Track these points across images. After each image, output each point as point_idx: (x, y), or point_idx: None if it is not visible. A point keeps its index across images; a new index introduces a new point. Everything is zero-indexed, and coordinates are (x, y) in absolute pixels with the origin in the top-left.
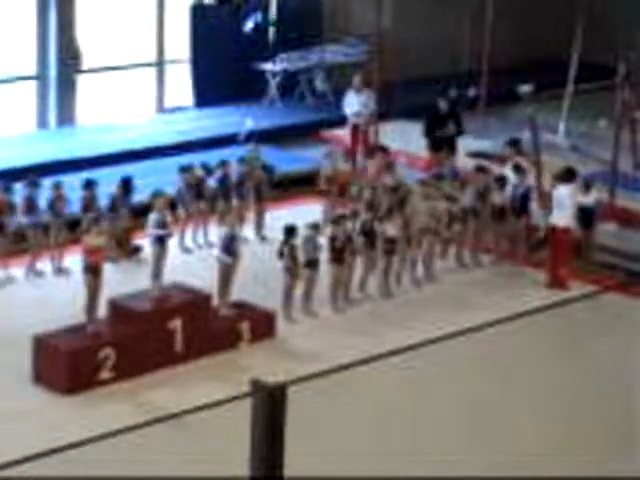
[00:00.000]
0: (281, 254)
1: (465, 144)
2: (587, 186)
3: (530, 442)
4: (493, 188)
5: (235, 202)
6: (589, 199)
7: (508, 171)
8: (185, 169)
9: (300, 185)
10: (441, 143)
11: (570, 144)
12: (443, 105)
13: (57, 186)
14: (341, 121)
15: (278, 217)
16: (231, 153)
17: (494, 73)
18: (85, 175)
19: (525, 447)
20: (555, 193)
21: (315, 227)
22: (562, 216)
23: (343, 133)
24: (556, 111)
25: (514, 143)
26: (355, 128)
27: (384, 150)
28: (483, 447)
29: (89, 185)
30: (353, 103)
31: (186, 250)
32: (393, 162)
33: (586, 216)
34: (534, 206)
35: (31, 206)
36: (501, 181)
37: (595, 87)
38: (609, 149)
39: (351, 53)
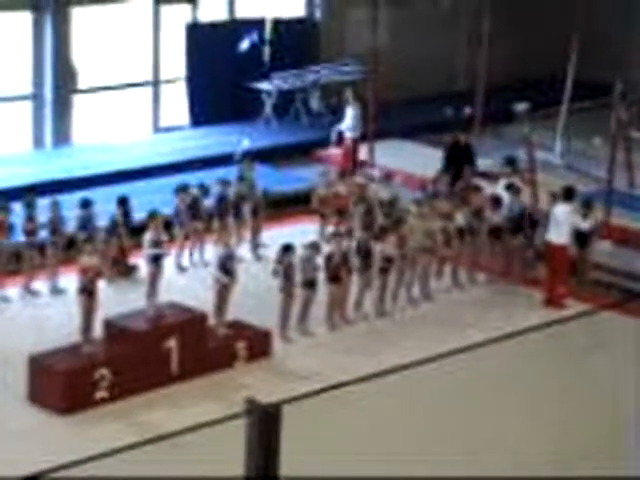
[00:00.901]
0: (276, 273)
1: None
2: (586, 209)
3: (526, 457)
4: (487, 207)
5: (232, 221)
6: (585, 224)
7: (501, 190)
8: (181, 189)
9: (295, 205)
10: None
11: (565, 162)
12: (462, 138)
13: (55, 206)
14: (336, 141)
15: (273, 236)
16: (227, 172)
17: (489, 92)
18: (81, 195)
19: (521, 461)
20: (553, 211)
21: (314, 247)
22: (559, 234)
23: (338, 152)
24: (551, 130)
25: (510, 162)
26: (349, 142)
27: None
28: (478, 465)
29: (86, 205)
30: (348, 116)
31: (182, 269)
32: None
33: (582, 237)
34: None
35: (30, 226)
36: (496, 201)
37: (590, 105)
38: (604, 167)
39: (346, 72)
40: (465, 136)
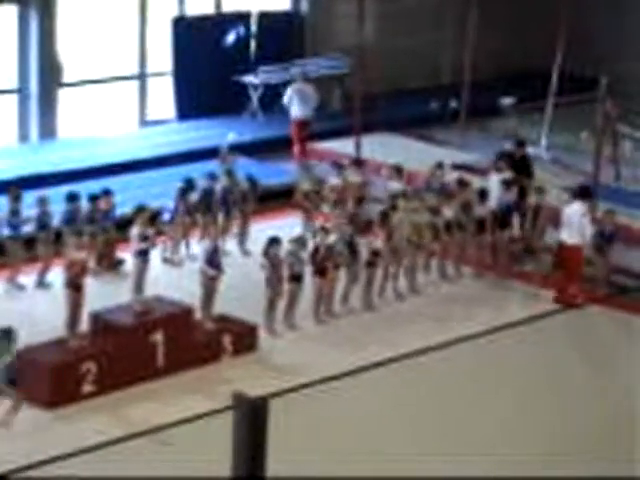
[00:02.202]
0: (263, 266)
1: (447, 157)
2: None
3: (519, 454)
4: (474, 201)
5: (219, 215)
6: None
7: (494, 183)
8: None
9: (281, 198)
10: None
11: (552, 156)
12: (518, 152)
13: (43, 201)
14: (322, 134)
15: (259, 230)
16: (213, 166)
17: (475, 86)
18: (67, 189)
19: (513, 458)
20: (566, 210)
21: (300, 241)
22: (572, 234)
23: (325, 146)
24: (538, 124)
25: (504, 156)
26: (302, 125)
27: (359, 163)
28: (467, 461)
29: (72, 198)
30: (297, 96)
31: (168, 263)
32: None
33: (601, 239)
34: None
35: (13, 219)
36: (482, 194)
37: (577, 100)
38: (590, 161)
39: (332, 66)
40: (519, 149)
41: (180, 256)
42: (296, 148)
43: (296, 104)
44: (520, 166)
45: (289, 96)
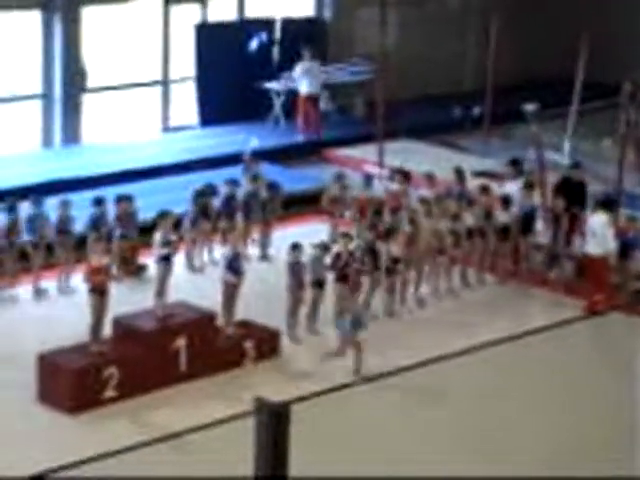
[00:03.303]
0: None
1: (470, 163)
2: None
3: (532, 460)
4: (496, 207)
5: (241, 221)
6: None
7: (513, 189)
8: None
9: (304, 204)
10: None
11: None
12: (574, 175)
13: (64, 205)
14: (345, 140)
15: (282, 237)
16: (236, 172)
17: (498, 92)
18: (89, 194)
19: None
20: (590, 221)
21: (324, 247)
22: (596, 245)
23: (348, 153)
24: (561, 130)
25: (514, 163)
26: (308, 100)
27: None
28: (485, 467)
29: (98, 203)
30: (306, 74)
31: (191, 269)
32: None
33: (623, 248)
34: (539, 225)
35: (34, 225)
36: (505, 201)
37: (600, 106)
38: (613, 168)
39: (355, 72)
40: (577, 171)
41: (202, 261)
42: (300, 120)
43: (304, 80)
44: (575, 193)
45: (298, 73)
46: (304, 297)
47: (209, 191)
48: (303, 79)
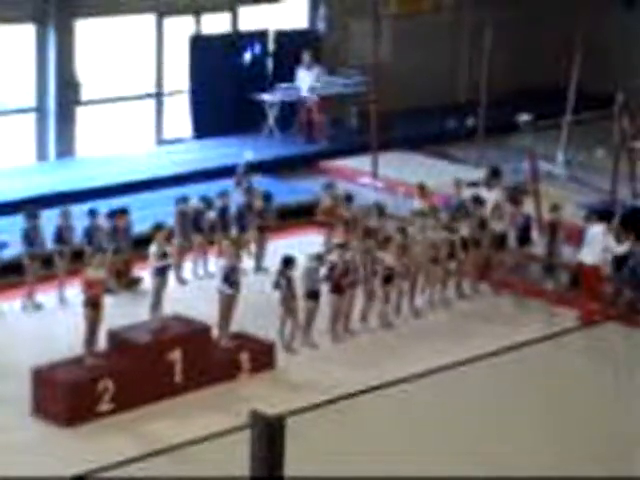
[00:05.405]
0: (277, 285)
1: (464, 174)
2: (622, 232)
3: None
4: (491, 217)
5: (235, 233)
6: (620, 248)
7: (492, 197)
8: (181, 200)
9: (299, 216)
10: None
11: (568, 173)
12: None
13: (65, 215)
14: (339, 151)
15: (277, 248)
16: (230, 185)
17: (492, 103)
18: (84, 207)
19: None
20: (587, 231)
21: (318, 258)
22: (591, 254)
23: (342, 164)
24: (554, 140)
25: (495, 173)
26: (308, 105)
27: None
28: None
29: (93, 214)
30: (305, 79)
31: (183, 282)
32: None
33: (618, 261)
34: (535, 235)
35: (29, 238)
36: (477, 200)
37: (593, 116)
38: (607, 178)
39: (349, 84)
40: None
41: (197, 273)
42: (303, 125)
43: (306, 83)
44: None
45: (300, 78)
46: (296, 309)
47: (199, 202)
48: (306, 82)
